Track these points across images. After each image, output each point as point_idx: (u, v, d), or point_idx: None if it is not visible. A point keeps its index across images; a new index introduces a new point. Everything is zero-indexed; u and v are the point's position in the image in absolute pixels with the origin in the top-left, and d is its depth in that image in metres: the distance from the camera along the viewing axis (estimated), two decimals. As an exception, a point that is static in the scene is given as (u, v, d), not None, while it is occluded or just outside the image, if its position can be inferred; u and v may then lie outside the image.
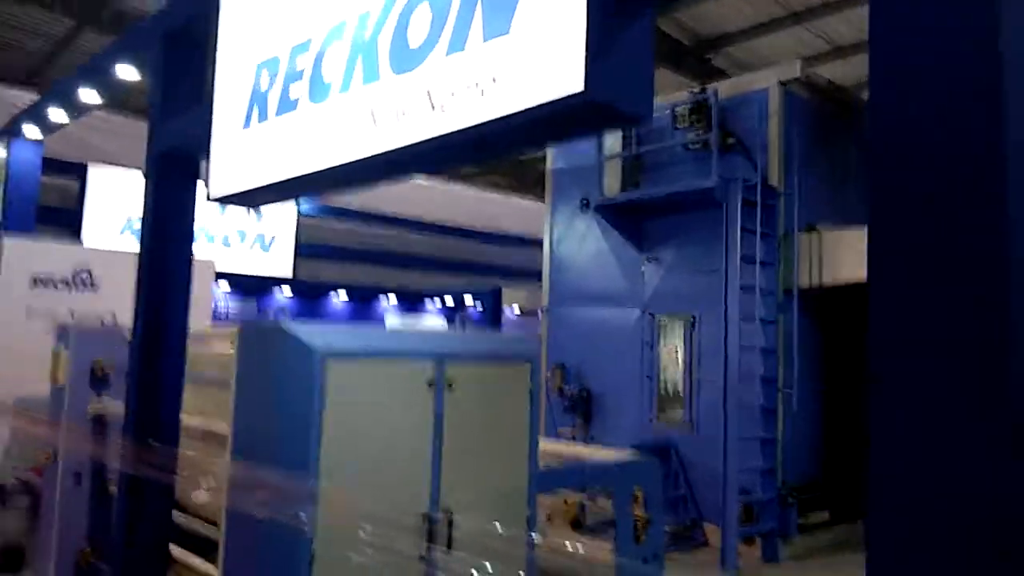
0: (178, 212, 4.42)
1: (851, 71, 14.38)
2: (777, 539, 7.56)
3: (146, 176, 4.46)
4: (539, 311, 10.72)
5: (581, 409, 9.36)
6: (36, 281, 7.19)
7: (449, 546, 4.12)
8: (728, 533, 7.16)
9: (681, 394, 8.80)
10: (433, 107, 2.55)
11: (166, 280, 4.49)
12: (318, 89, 3.21)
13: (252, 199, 3.76)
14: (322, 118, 3.15)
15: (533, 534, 4.53)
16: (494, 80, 2.37)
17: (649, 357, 9.03)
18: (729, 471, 7.32)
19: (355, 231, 12.55)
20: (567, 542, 6.25)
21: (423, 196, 13.83)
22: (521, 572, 4.48)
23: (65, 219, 9.56)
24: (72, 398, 6.26)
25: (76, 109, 7.00)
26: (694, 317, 8.67)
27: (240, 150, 3.67)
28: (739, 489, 7.32)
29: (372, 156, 2.79)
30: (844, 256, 8.03)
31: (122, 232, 10.09)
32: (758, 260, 7.78)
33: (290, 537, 3.42)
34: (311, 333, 3.81)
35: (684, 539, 7.99)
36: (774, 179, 8.18)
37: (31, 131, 7.81)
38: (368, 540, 3.59)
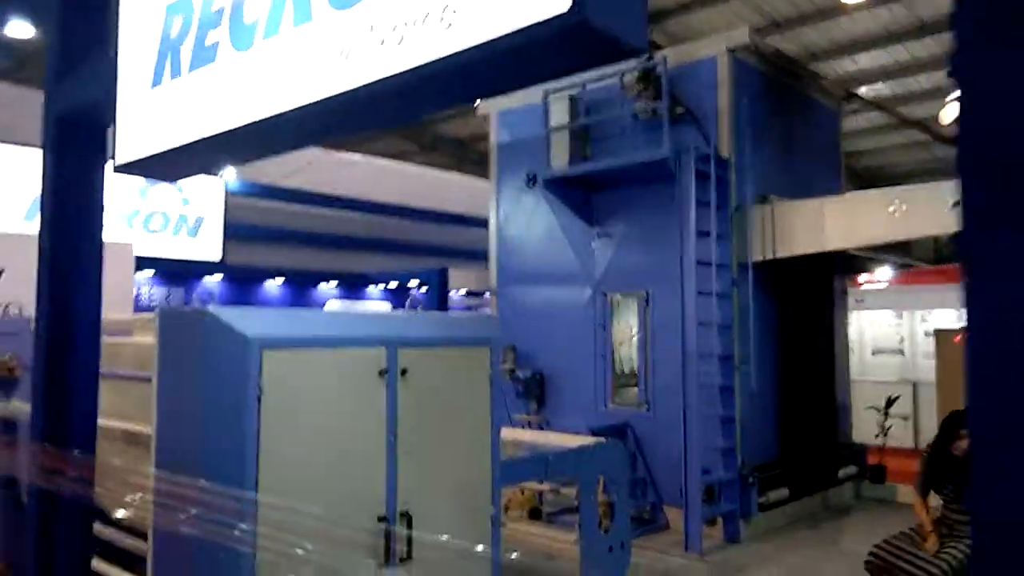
0: (83, 186, 3.86)
1: (788, 46, 14.39)
2: (739, 519, 7.41)
3: (44, 145, 3.89)
4: (487, 292, 10.35)
5: (535, 393, 9.04)
6: (-71, 271, 6.45)
7: (409, 551, 3.73)
8: (692, 516, 6.95)
9: (636, 374, 8.56)
10: (383, 42, 2.13)
11: (73, 265, 3.94)
12: (240, 34, 2.74)
13: (164, 167, 3.26)
14: (246, 69, 2.69)
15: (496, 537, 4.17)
16: (454, 11, 1.96)
17: (603, 337, 8.76)
18: (690, 452, 7.10)
19: (289, 211, 11.88)
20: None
21: (361, 174, 13.24)
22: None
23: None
24: (-25, 400, 5.62)
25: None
26: (647, 294, 8.43)
27: (149, 111, 3.16)
28: (700, 470, 7.12)
29: (309, 105, 2.34)
30: (797, 227, 7.89)
31: (29, 217, 9.23)
32: (713, 233, 7.55)
33: (227, 556, 2.98)
34: (244, 319, 3.34)
35: (645, 523, 7.77)
36: (725, 150, 7.96)
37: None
38: (317, 554, 3.17)
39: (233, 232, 10.90)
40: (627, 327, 8.73)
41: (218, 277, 11.14)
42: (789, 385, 8.50)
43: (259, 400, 3.24)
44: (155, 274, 10.26)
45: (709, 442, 7.40)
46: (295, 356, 3.41)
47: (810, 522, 8.20)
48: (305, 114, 2.41)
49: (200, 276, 10.88)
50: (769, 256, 7.97)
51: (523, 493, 7.35)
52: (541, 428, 8.63)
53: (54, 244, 3.88)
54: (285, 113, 2.47)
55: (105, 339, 4.32)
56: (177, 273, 10.45)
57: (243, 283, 11.39)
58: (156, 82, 3.13)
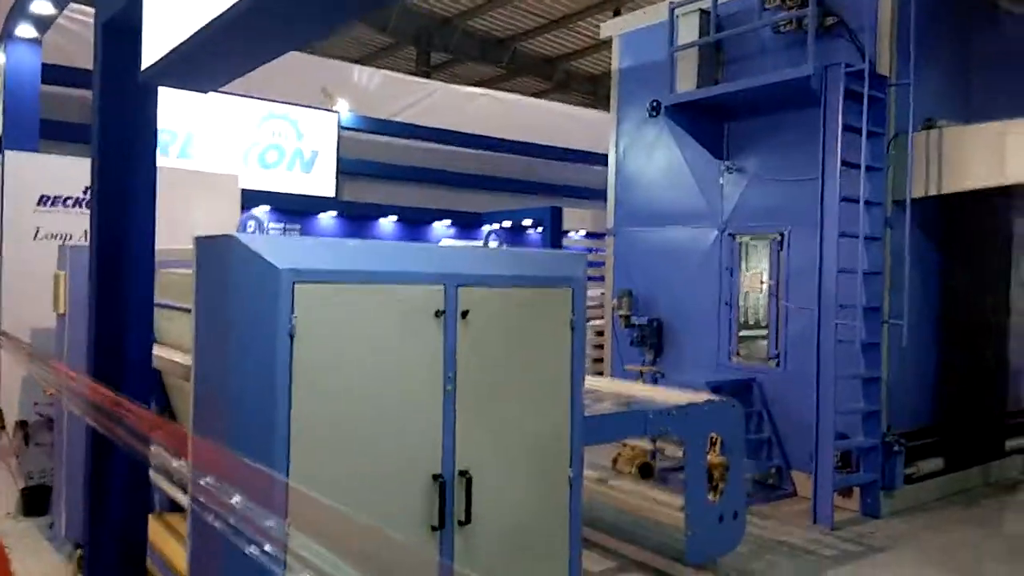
0: (132, 101, 3.54)
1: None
2: (879, 491, 6.48)
3: (95, 57, 3.60)
4: (605, 233, 9.66)
5: (651, 342, 8.36)
6: (43, 200, 6.57)
7: (467, 514, 3.28)
8: (822, 484, 6.14)
9: (766, 325, 7.67)
10: None
11: (125, 188, 3.66)
12: None
13: (184, 70, 2.84)
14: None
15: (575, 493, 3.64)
16: None
17: (729, 282, 7.90)
18: (823, 413, 6.24)
19: (403, 147, 11.59)
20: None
21: (478, 108, 12.73)
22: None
23: (85, 135, 8.90)
24: (72, 328, 5.67)
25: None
26: (782, 235, 7.47)
27: (169, 4, 2.74)
28: (835, 434, 6.24)
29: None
30: (972, 158, 6.62)
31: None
32: (863, 165, 6.46)
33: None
34: (275, 248, 2.89)
35: (771, 489, 7.01)
36: (884, 66, 6.77)
37: (24, 30, 7.06)
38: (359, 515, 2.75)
39: (347, 166, 10.76)
40: (757, 273, 7.82)
41: (332, 213, 11.07)
42: (951, 343, 7.33)
43: (291, 340, 2.83)
44: (271, 209, 10.29)
45: (847, 403, 6.49)
46: (335, 291, 2.96)
47: (967, 499, 7.13)
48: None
49: (315, 212, 10.84)
50: (933, 192, 6.77)
51: (633, 449, 6.78)
52: (655, 380, 7.97)
53: (103, 166, 3.61)
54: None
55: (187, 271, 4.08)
56: (293, 210, 10.46)
57: (357, 220, 11.26)
58: (171, -31, 2.69)
